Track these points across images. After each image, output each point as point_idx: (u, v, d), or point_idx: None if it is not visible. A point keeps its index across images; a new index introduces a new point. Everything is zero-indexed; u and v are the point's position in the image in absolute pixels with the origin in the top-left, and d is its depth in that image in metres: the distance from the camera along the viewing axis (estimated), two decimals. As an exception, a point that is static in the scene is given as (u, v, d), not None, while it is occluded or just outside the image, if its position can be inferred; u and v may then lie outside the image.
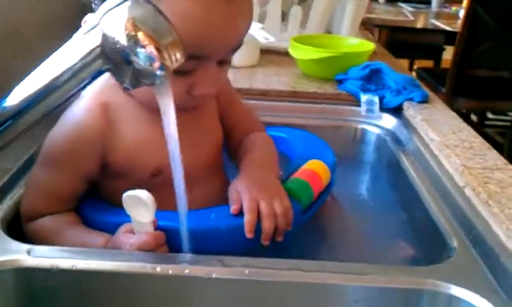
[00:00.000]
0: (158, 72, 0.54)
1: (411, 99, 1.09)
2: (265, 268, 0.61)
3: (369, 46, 1.25)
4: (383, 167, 1.04)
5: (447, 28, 3.30)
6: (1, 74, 0.55)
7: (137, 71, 0.54)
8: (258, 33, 1.19)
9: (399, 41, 3.67)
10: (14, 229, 0.68)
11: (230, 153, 0.88)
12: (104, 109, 0.70)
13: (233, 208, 0.67)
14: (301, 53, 1.19)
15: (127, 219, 0.63)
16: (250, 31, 1.18)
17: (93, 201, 0.74)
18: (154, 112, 0.59)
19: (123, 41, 0.52)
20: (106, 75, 0.59)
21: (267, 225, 0.66)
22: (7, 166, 0.77)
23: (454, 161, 0.83)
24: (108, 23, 0.53)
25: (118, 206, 0.63)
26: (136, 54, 0.53)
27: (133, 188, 0.62)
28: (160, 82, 0.55)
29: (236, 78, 1.17)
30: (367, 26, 3.82)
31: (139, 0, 0.55)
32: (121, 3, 0.54)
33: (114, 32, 0.53)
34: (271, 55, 1.34)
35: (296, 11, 1.40)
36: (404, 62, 4.54)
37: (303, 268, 0.62)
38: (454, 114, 1.04)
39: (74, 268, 0.60)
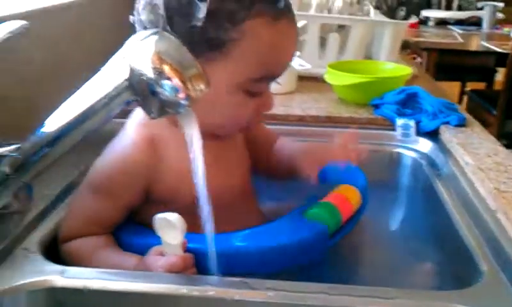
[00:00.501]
0: (183, 102, 0.57)
1: (447, 123, 1.08)
2: (289, 291, 0.62)
3: (405, 70, 1.25)
4: (418, 191, 1.03)
5: (498, 49, 3.23)
6: (47, 108, 0.60)
7: (163, 101, 0.57)
8: (295, 60, 1.21)
9: (448, 63, 3.62)
10: (51, 253, 0.72)
11: (260, 167, 0.90)
12: (149, 142, 0.74)
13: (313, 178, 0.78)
14: (337, 79, 1.21)
15: (159, 241, 0.66)
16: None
17: (128, 224, 0.77)
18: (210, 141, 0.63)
19: (149, 73, 0.56)
20: None
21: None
22: (47, 192, 0.82)
23: (487, 185, 0.82)
24: (135, 56, 0.57)
25: (152, 228, 0.66)
26: (162, 86, 0.56)
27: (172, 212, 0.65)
28: (184, 111, 0.59)
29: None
30: (415, 50, 3.80)
31: (165, 34, 0.59)
32: (148, 37, 0.57)
33: (141, 65, 0.56)
34: (309, 81, 1.36)
35: (333, 38, 1.42)
36: (456, 85, 4.47)
37: (328, 292, 0.62)
38: (492, 137, 1.02)
39: (105, 289, 0.63)
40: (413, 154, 1.08)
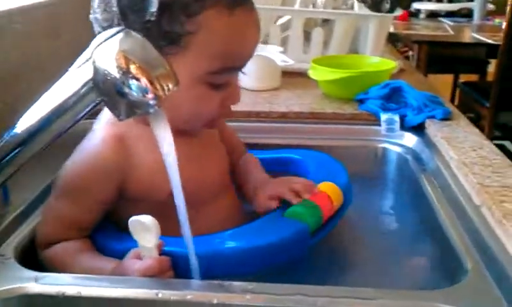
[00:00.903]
0: (151, 102, 0.55)
1: (433, 116, 1.06)
2: (268, 293, 0.61)
3: (390, 64, 1.23)
4: (404, 187, 1.02)
5: (489, 41, 3.22)
6: (25, 109, 0.58)
7: (131, 102, 0.55)
8: (277, 56, 1.20)
9: (439, 56, 3.62)
10: (27, 258, 0.70)
11: None
12: (119, 138, 0.73)
13: (273, 204, 0.76)
14: (320, 74, 1.19)
15: (136, 244, 0.65)
16: (269, 54, 1.20)
17: (105, 228, 0.75)
18: (175, 138, 0.60)
19: (115, 73, 0.54)
20: None
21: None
22: (23, 196, 0.80)
23: (471, 179, 0.81)
24: (100, 56, 0.55)
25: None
26: (129, 86, 0.54)
27: (148, 211, 0.63)
28: (154, 111, 0.57)
29: (256, 101, 1.18)
30: (407, 43, 3.79)
31: (131, 32, 0.57)
32: (113, 36, 0.56)
33: (106, 65, 0.54)
34: (293, 77, 1.34)
35: (317, 33, 1.40)
36: (449, 78, 4.46)
37: (307, 294, 0.61)
38: (477, 131, 1.01)
39: (79, 294, 0.62)
40: (398, 149, 1.06)
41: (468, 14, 4.26)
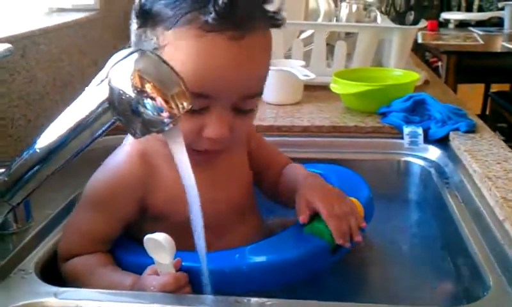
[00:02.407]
0: (166, 120, 0.56)
1: (457, 129, 1.05)
2: (284, 310, 0.61)
3: (413, 76, 1.22)
4: (427, 200, 1.00)
5: (520, 50, 3.16)
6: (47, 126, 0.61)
7: (146, 121, 0.56)
8: (299, 70, 1.20)
9: (469, 66, 3.56)
10: (48, 273, 0.72)
11: (266, 191, 0.89)
12: (143, 155, 0.73)
13: (301, 218, 0.71)
14: (342, 88, 1.19)
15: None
16: (290, 69, 1.20)
17: (125, 243, 0.76)
18: (190, 156, 0.60)
19: (130, 93, 0.55)
20: None
21: (343, 227, 0.70)
22: (46, 212, 0.82)
23: (494, 193, 0.79)
24: (115, 75, 0.56)
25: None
26: (144, 105, 0.55)
27: (171, 230, 0.64)
28: (169, 129, 0.58)
29: (278, 116, 1.18)
30: (436, 53, 3.75)
31: (146, 52, 0.58)
32: (128, 55, 0.57)
33: (121, 84, 0.55)
34: (315, 90, 1.34)
35: (340, 46, 1.39)
36: (480, 87, 4.39)
37: (324, 310, 0.60)
38: (502, 143, 0.99)
39: (98, 309, 0.62)
40: (421, 162, 1.05)
41: (498, 23, 4.19)
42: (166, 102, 0.55)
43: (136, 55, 0.57)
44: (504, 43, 3.48)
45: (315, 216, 0.73)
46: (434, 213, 0.94)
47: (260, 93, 0.70)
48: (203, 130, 0.67)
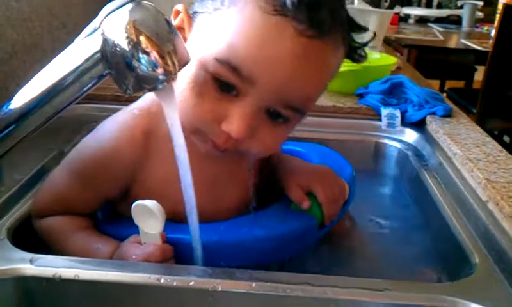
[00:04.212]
0: (161, 77, 0.53)
1: (434, 113, 1.05)
2: (274, 282, 0.59)
3: (391, 60, 1.22)
4: (404, 182, 1.00)
5: (478, 48, 3.24)
6: (20, 83, 0.56)
7: (139, 76, 0.53)
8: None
9: (428, 61, 3.63)
10: (21, 239, 0.68)
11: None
12: (147, 135, 0.67)
13: (305, 204, 0.70)
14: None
15: (136, 231, 0.62)
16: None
17: (106, 211, 0.73)
18: (190, 153, 0.56)
19: (124, 45, 0.51)
20: (156, 99, 0.56)
21: (336, 210, 0.72)
22: (17, 177, 0.77)
23: (476, 175, 0.80)
24: (109, 26, 0.52)
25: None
26: (138, 60, 0.52)
27: None
28: (163, 87, 0.54)
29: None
30: (396, 46, 3.80)
31: (142, 2, 0.54)
32: (123, 5, 0.53)
33: (115, 36, 0.52)
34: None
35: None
36: (435, 83, 4.49)
37: (313, 283, 0.59)
38: (478, 128, 1.00)
39: (77, 278, 0.59)
40: (398, 145, 1.05)
41: (457, 21, 4.30)
42: (162, 57, 0.52)
43: (131, 5, 0.53)
44: (463, 40, 3.56)
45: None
46: (414, 195, 0.94)
47: (302, 111, 0.62)
48: (222, 120, 0.58)
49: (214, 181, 0.71)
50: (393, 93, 1.11)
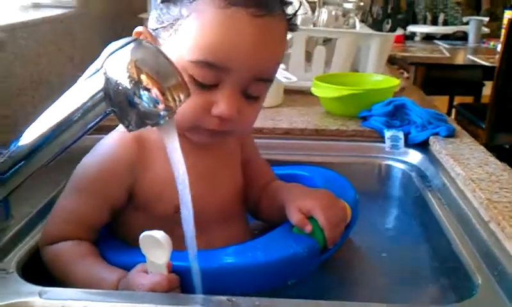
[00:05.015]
0: (162, 113, 0.55)
1: (437, 133, 1.06)
2: (278, 308, 0.60)
3: (393, 82, 1.24)
4: (409, 203, 1.01)
5: (485, 63, 3.25)
6: (27, 123, 0.58)
7: (142, 113, 0.55)
8: (280, 73, 1.20)
9: (436, 78, 3.64)
10: (30, 272, 0.69)
11: (249, 204, 0.86)
12: (137, 142, 0.72)
13: (307, 228, 0.71)
14: (323, 91, 1.19)
15: (143, 259, 0.64)
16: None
17: (110, 240, 0.74)
18: (183, 150, 0.59)
19: (126, 83, 0.53)
20: None
21: (338, 234, 0.74)
22: (26, 210, 0.79)
23: (478, 195, 0.81)
24: (111, 66, 0.54)
25: (135, 241, 0.62)
26: (140, 97, 0.54)
27: (154, 223, 0.63)
28: (164, 122, 0.56)
29: (259, 118, 1.17)
30: (402, 64, 3.82)
31: (142, 42, 0.57)
32: (124, 46, 0.55)
33: (117, 75, 0.54)
34: (295, 95, 1.34)
35: (319, 51, 1.40)
36: (444, 99, 4.49)
37: (316, 309, 0.60)
38: (481, 148, 1.01)
39: (85, 310, 0.60)
40: (402, 166, 1.06)
41: (463, 37, 4.30)
42: (163, 93, 0.54)
43: (132, 44, 0.55)
44: (469, 56, 3.57)
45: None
46: (418, 215, 0.95)
47: (270, 80, 0.71)
48: (212, 108, 0.66)
49: (208, 171, 0.76)
50: (397, 115, 1.13)
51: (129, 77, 0.54)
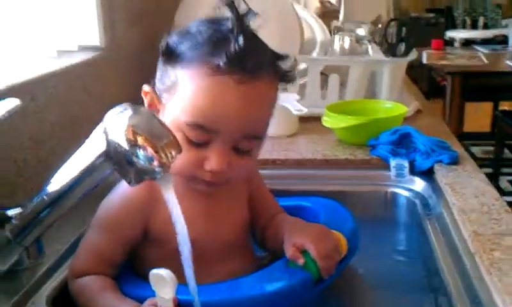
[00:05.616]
0: (157, 169, 0.63)
1: (440, 161, 1.11)
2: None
3: (401, 110, 1.28)
4: (412, 231, 1.06)
5: (523, 68, 3.21)
6: (64, 156, 0.68)
7: (139, 170, 0.63)
8: (292, 105, 1.26)
9: (475, 85, 3.61)
10: (59, 305, 0.78)
11: (256, 236, 0.93)
12: (150, 185, 0.76)
13: (300, 262, 0.77)
14: (333, 122, 1.25)
15: (154, 293, 0.72)
16: (284, 103, 1.27)
17: (128, 276, 0.83)
18: (192, 189, 0.73)
19: (124, 145, 0.62)
20: None
21: (328, 265, 0.78)
22: (57, 247, 0.88)
23: (467, 227, 0.85)
24: (111, 130, 0.63)
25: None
26: (137, 156, 0.62)
27: (167, 256, 0.71)
28: (160, 176, 0.65)
29: (273, 149, 1.24)
30: (440, 73, 3.80)
31: (139, 108, 0.65)
32: (123, 111, 0.64)
33: (117, 138, 0.62)
34: (310, 121, 1.39)
35: (334, 79, 1.46)
36: (488, 106, 4.43)
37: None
38: (482, 176, 1.05)
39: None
40: (406, 193, 1.11)
41: (503, 40, 4.24)
42: (156, 152, 0.62)
43: (129, 111, 0.64)
44: (508, 62, 3.52)
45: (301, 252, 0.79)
46: (417, 244, 1.00)
47: (259, 137, 0.78)
48: (204, 163, 0.74)
49: (211, 211, 0.83)
50: (402, 143, 1.17)
51: (127, 139, 0.62)
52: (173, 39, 0.76)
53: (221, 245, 0.83)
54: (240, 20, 0.73)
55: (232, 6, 0.74)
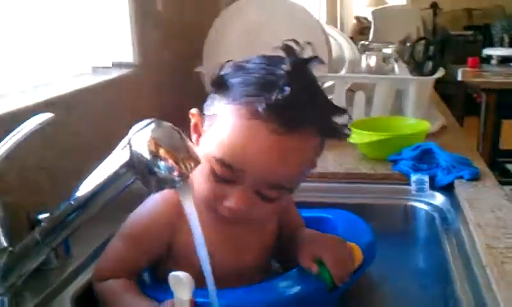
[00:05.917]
0: (177, 178, 0.68)
1: (461, 177, 1.12)
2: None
3: (424, 126, 1.31)
4: (428, 244, 1.08)
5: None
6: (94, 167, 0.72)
7: (160, 179, 0.68)
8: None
9: (510, 103, 3.57)
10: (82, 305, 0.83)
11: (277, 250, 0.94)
12: (176, 203, 0.79)
13: (314, 270, 0.79)
14: (356, 137, 1.28)
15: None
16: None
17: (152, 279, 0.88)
18: (211, 217, 0.75)
19: (147, 156, 0.67)
20: None
21: (341, 273, 0.80)
22: (84, 249, 0.93)
23: (482, 241, 0.87)
24: (136, 142, 0.68)
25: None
26: (158, 166, 0.67)
27: (191, 270, 0.72)
28: (180, 186, 0.69)
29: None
30: (476, 90, 3.77)
31: (161, 122, 0.70)
32: (147, 125, 0.69)
33: (140, 149, 0.67)
34: (336, 137, 1.43)
35: (359, 96, 1.49)
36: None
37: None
38: (501, 192, 1.06)
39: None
40: (426, 207, 1.13)
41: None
42: (176, 163, 0.67)
43: (153, 125, 0.69)
44: (545, 80, 3.48)
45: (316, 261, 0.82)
46: (434, 257, 1.01)
47: (287, 189, 0.77)
48: (224, 199, 0.75)
49: (235, 240, 0.84)
50: (424, 159, 1.20)
51: (149, 151, 0.67)
52: (226, 70, 0.76)
53: (244, 269, 0.86)
54: (297, 66, 0.71)
55: (289, 51, 0.72)
